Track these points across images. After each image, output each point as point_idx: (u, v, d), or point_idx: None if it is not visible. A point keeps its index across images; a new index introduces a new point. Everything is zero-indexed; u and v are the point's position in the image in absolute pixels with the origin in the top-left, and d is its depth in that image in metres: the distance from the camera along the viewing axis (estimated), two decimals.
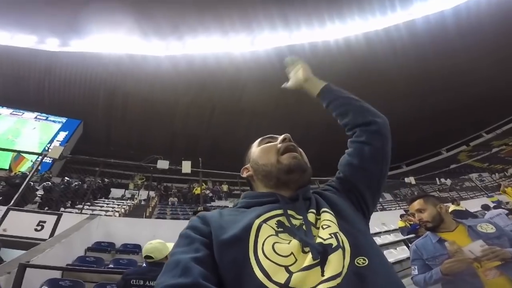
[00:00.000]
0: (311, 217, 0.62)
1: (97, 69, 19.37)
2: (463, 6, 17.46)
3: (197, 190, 12.19)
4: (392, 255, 5.08)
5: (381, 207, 11.04)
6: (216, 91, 20.95)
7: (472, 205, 8.76)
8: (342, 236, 0.56)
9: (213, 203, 12.42)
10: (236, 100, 21.80)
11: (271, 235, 0.57)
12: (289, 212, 0.63)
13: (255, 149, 0.82)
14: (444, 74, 20.28)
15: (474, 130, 25.36)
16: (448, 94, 21.77)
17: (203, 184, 11.62)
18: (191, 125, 23.15)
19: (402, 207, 11.03)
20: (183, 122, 22.96)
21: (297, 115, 22.58)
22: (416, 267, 1.71)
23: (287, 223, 0.60)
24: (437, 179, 15.34)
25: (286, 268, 0.50)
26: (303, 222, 0.60)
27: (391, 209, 10.95)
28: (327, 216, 0.61)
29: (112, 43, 18.30)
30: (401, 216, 7.29)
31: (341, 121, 0.86)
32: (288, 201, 0.66)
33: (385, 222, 8.21)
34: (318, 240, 0.55)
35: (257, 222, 0.59)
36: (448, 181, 15.40)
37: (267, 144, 0.80)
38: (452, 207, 7.55)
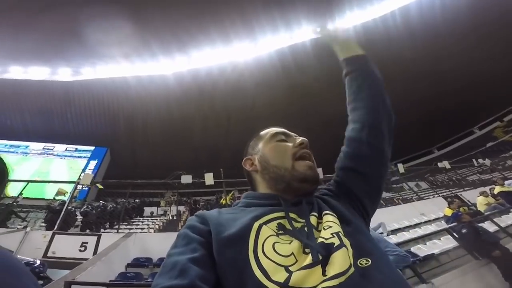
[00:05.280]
0: (313, 220, 0.61)
1: (112, 96, 20.32)
2: None
3: (224, 201, 12.31)
4: (437, 246, 4.71)
5: (417, 197, 10.52)
6: (228, 100, 21.28)
7: None
8: (344, 237, 0.55)
9: None
10: (249, 106, 21.96)
11: (271, 235, 0.56)
12: (291, 215, 0.61)
13: (266, 144, 0.77)
14: (453, 51, 19.34)
15: (504, 104, 23.61)
16: (461, 70, 20.68)
17: (228, 193, 11.71)
18: (210, 137, 23.59)
19: (440, 195, 10.40)
20: (202, 136, 23.45)
21: (312, 109, 22.34)
22: None
23: (288, 226, 0.59)
24: (474, 160, 14.04)
25: (286, 268, 0.49)
26: (305, 225, 0.59)
27: (429, 198, 10.39)
28: (329, 218, 0.60)
29: (122, 67, 18.85)
30: (449, 203, 6.23)
31: (349, 97, 0.80)
32: (290, 204, 0.64)
33: (424, 212, 7.76)
34: (320, 240, 0.54)
35: (256, 224, 0.58)
36: (487, 161, 14.05)
37: (281, 144, 0.75)
38: (497, 189, 6.87)
